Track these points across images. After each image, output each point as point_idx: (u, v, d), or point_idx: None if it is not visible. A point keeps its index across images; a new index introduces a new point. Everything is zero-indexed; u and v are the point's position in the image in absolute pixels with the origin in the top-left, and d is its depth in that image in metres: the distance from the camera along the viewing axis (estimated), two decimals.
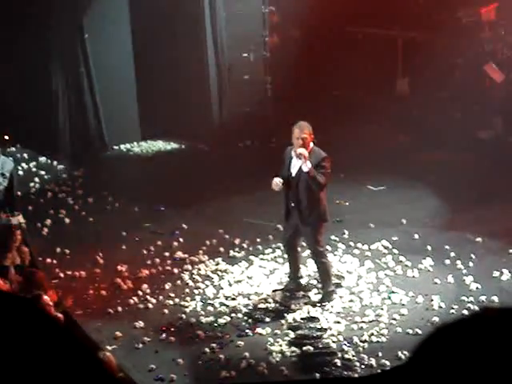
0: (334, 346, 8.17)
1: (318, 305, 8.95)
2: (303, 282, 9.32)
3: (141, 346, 8.32)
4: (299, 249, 9.33)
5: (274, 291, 9.28)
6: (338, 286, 9.28)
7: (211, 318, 8.78)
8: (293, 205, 8.78)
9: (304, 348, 8.12)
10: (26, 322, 1.40)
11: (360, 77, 14.07)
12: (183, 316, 8.87)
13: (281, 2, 14.74)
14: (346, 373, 7.70)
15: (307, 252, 9.42)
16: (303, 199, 8.72)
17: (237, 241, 10.54)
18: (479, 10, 13.87)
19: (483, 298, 8.83)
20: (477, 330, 1.41)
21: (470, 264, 9.67)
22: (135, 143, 14.50)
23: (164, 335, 8.49)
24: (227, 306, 9.04)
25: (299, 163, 8.68)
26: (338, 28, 14.87)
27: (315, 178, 8.58)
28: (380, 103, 14.16)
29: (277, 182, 8.65)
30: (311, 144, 8.72)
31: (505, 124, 13.42)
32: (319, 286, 9.20)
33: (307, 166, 8.57)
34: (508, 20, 13.58)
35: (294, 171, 8.76)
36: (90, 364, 1.38)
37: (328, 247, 10.04)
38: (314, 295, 9.15)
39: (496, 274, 9.38)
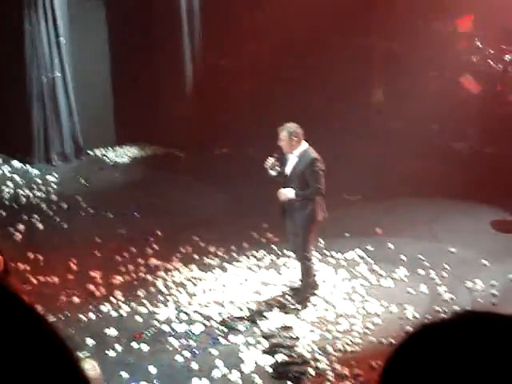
0: (307, 354, 8.16)
1: (292, 306, 8.94)
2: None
3: (113, 353, 8.25)
4: None
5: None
6: (313, 294, 9.28)
7: (184, 326, 8.73)
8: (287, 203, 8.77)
9: (277, 357, 8.10)
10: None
11: (336, 87, 14.07)
12: (156, 323, 8.82)
13: (258, 11, 14.73)
14: (318, 382, 7.69)
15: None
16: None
17: (211, 248, 10.50)
18: (456, 21, 13.95)
19: (456, 307, 8.86)
20: (458, 334, 1.29)
21: (444, 274, 9.71)
22: (110, 148, 14.42)
23: (137, 343, 8.43)
24: (201, 313, 9.00)
25: (292, 162, 8.66)
26: (315, 38, 14.87)
27: (304, 196, 8.61)
28: (356, 113, 14.17)
29: (270, 159, 8.64)
30: (304, 145, 8.69)
31: (481, 135, 13.47)
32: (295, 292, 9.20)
33: (289, 197, 8.62)
34: (484, 31, 13.66)
35: (288, 170, 8.75)
36: (73, 370, 1.28)
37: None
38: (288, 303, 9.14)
39: (469, 284, 9.42)
